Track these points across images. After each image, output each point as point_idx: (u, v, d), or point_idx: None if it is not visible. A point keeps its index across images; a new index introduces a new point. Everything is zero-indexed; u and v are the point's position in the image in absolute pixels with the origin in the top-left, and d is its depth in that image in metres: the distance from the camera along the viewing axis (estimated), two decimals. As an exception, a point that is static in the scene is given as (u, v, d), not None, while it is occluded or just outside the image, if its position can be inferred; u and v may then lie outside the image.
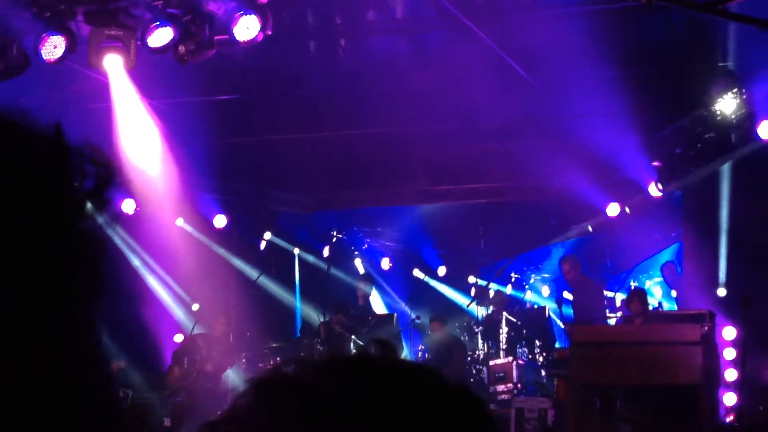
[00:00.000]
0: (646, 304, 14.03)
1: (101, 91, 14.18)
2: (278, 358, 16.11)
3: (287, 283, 20.49)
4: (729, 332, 14.85)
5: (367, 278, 18.89)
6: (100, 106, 15.18)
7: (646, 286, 18.36)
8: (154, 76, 13.83)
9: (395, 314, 17.54)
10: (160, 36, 11.58)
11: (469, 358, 16.70)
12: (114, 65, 11.92)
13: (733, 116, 13.81)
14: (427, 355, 16.71)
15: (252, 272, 19.02)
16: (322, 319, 16.64)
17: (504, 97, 14.59)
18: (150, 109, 15.26)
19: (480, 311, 18.04)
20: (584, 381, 12.70)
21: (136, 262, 19.00)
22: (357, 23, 14.51)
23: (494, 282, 18.48)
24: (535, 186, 16.95)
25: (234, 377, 16.72)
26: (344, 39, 14.83)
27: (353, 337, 15.62)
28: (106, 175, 1.45)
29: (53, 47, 11.82)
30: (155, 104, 15.63)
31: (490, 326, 17.23)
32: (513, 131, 15.55)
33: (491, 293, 18.37)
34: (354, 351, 15.39)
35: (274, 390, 1.39)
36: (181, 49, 11.61)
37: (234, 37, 11.70)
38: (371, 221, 21.27)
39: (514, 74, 14.17)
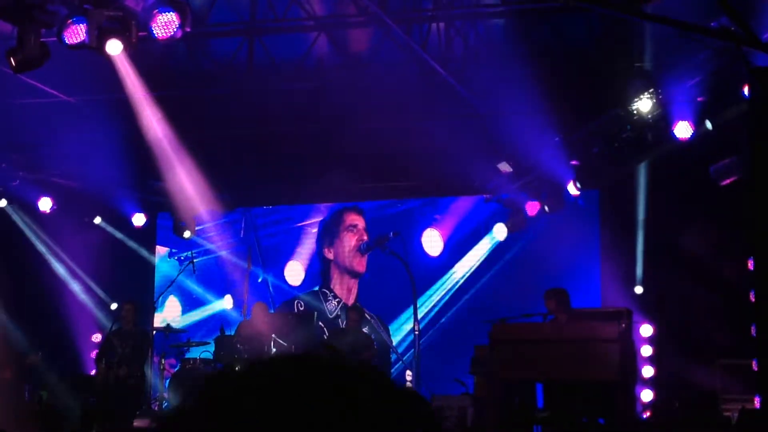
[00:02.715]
0: (564, 302, 14.07)
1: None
2: (198, 357, 15.99)
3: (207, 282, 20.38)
4: (646, 329, 15.04)
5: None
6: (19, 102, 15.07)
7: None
8: (70, 72, 13.68)
9: (315, 313, 17.51)
10: (77, 32, 11.43)
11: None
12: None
13: (649, 116, 13.97)
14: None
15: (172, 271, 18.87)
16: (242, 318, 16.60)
17: (423, 95, 14.65)
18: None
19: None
20: (503, 379, 12.78)
21: (53, 260, 18.79)
22: (275, 19, 14.50)
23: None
24: (455, 183, 17.00)
25: (151, 375, 16.63)
26: (262, 35, 14.80)
27: (273, 335, 15.55)
28: None
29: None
30: (72, 101, 15.48)
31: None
32: (432, 129, 15.60)
33: None
34: (275, 349, 15.35)
35: (222, 388, 1.41)
36: (102, 44, 11.47)
37: (153, 34, 11.60)
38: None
39: (434, 72, 14.22)
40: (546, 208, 16.19)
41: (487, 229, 18.00)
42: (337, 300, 18.60)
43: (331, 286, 18.73)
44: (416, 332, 14.59)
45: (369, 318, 18.28)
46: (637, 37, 13.42)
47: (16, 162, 17.30)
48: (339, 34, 14.87)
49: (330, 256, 18.78)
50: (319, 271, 18.99)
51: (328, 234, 18.84)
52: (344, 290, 18.69)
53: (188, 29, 11.55)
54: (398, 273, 15.54)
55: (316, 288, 18.91)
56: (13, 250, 18.41)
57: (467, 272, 18.33)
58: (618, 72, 14.01)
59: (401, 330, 18.21)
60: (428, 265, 18.15)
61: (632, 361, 13.48)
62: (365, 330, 17.29)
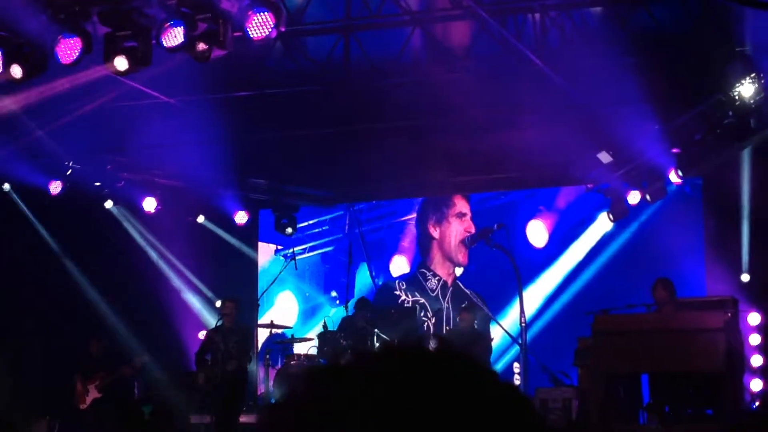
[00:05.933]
0: (672, 291, 13.95)
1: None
2: (304, 353, 16.12)
3: (312, 278, 20.58)
4: (754, 318, 14.77)
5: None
6: (122, 105, 15.35)
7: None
8: (170, 74, 13.87)
9: (417, 307, 17.49)
10: (175, 35, 11.59)
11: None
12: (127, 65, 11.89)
13: (751, 101, 13.71)
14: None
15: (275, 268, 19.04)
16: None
17: (521, 88, 14.55)
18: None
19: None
20: (607, 370, 12.68)
21: (158, 260, 19.09)
22: (369, 16, 14.54)
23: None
24: (556, 174, 16.90)
25: (257, 371, 16.87)
26: (359, 32, 14.85)
27: (376, 330, 15.59)
28: None
29: (69, 49, 11.86)
30: (173, 102, 15.69)
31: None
32: (531, 120, 15.50)
33: None
34: (378, 344, 15.40)
35: (329, 378, 1.44)
36: (200, 47, 11.63)
37: (248, 34, 11.71)
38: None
39: (530, 63, 14.13)
40: (648, 197, 16.01)
41: (591, 219, 17.86)
42: (437, 278, 18.17)
43: (431, 267, 18.28)
44: (522, 325, 14.37)
45: (470, 294, 17.98)
46: (736, 20, 13.17)
47: (120, 164, 17.62)
48: (434, 29, 14.84)
49: (435, 234, 18.14)
50: (418, 248, 18.61)
51: (437, 212, 18.18)
52: (444, 272, 18.25)
53: (282, 29, 11.65)
54: (502, 264, 15.38)
55: (414, 271, 18.65)
56: (119, 250, 18.74)
57: (574, 264, 18.21)
58: (718, 57, 13.76)
59: (507, 322, 18.07)
60: (534, 257, 18.05)
61: (739, 350, 13.27)
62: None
